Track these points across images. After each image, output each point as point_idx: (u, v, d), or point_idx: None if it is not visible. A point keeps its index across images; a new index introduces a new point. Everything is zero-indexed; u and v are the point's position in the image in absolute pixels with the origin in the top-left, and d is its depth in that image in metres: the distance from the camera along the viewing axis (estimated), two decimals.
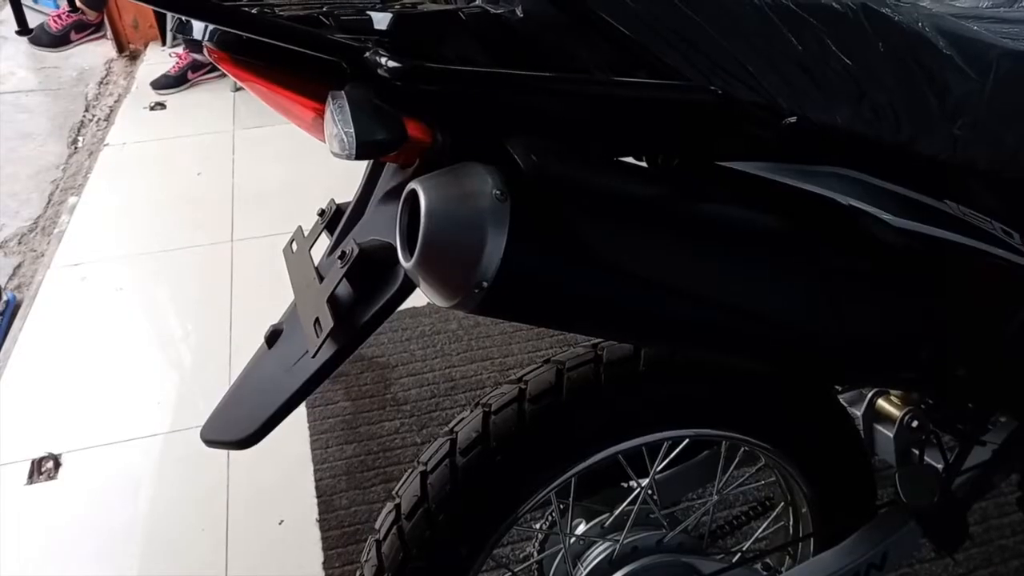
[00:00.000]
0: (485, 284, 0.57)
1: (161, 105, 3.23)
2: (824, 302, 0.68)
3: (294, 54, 0.58)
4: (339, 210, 0.80)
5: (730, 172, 0.67)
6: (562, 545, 0.99)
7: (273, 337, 0.76)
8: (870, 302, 0.72)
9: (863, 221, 0.69)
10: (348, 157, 0.52)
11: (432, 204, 0.57)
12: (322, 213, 0.81)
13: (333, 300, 0.68)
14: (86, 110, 3.41)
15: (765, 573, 1.00)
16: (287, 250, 0.84)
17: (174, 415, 1.83)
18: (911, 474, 0.85)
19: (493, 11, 0.63)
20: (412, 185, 0.59)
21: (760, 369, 0.85)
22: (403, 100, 0.61)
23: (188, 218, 2.53)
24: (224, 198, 2.62)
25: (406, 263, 0.58)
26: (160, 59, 3.55)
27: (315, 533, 1.57)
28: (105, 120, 3.26)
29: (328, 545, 1.55)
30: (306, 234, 0.83)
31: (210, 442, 0.76)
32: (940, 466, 0.97)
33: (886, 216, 0.69)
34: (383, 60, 0.54)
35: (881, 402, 1.12)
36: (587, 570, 0.99)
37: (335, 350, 0.67)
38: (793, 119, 0.66)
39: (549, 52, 0.64)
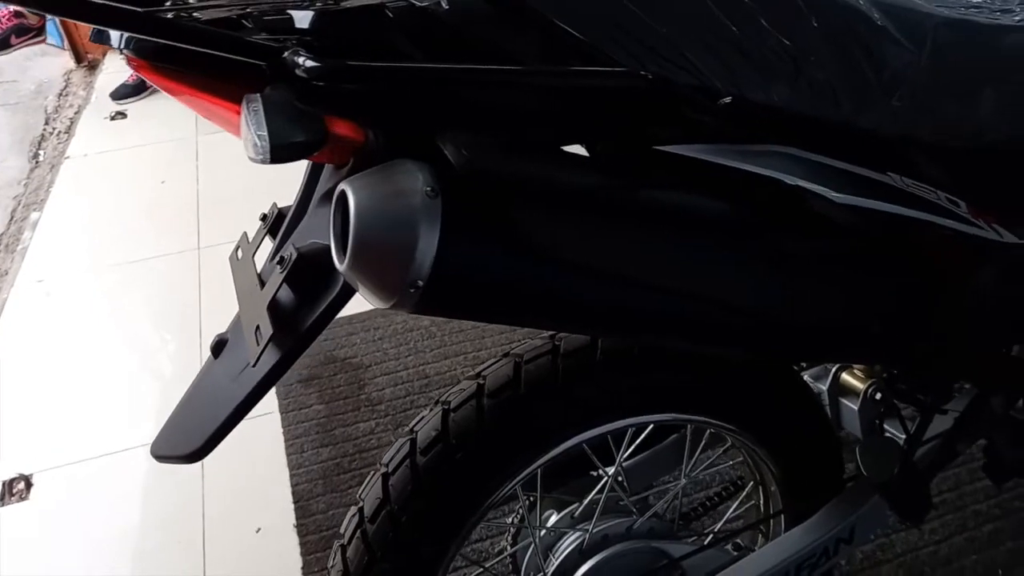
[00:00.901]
0: (420, 283, 0.56)
1: (122, 115, 3.19)
2: (770, 283, 0.67)
3: (217, 58, 0.57)
4: (281, 214, 0.79)
5: (669, 156, 0.66)
6: (533, 538, 0.99)
7: (219, 347, 0.75)
8: (817, 281, 0.71)
9: (806, 199, 0.69)
10: (263, 161, 0.51)
11: (361, 204, 0.56)
12: (264, 218, 0.80)
13: (273, 306, 0.67)
14: (46, 123, 3.36)
15: (736, 553, 1.00)
16: (232, 257, 0.82)
17: (145, 428, 1.81)
18: (871, 448, 0.85)
19: (419, 4, 0.62)
20: (341, 186, 0.58)
21: (713, 354, 0.84)
22: (330, 100, 0.60)
23: (153, 228, 2.50)
24: (189, 205, 2.59)
25: (340, 266, 0.57)
26: (119, 68, 3.49)
27: (293, 539, 1.56)
28: (66, 132, 3.21)
29: (307, 550, 1.54)
30: (250, 239, 0.82)
31: (160, 457, 0.75)
32: (903, 437, 0.98)
33: (828, 192, 0.68)
34: (301, 60, 0.53)
35: (845, 376, 1.13)
36: (558, 561, 0.99)
37: (278, 358, 0.66)
38: (728, 99, 0.65)
39: (479, 44, 0.63)
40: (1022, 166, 0.84)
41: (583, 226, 0.60)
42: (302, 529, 1.57)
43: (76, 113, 3.33)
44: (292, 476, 1.68)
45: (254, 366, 0.65)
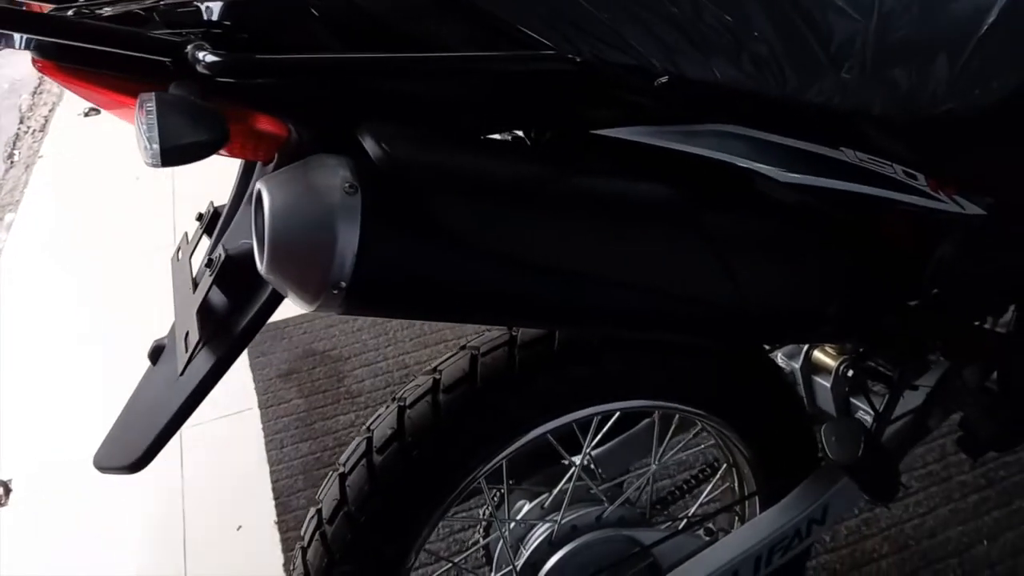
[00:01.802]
0: (343, 284, 0.54)
1: (96, 110, 3.14)
2: (716, 267, 0.65)
3: (123, 56, 0.54)
4: (217, 212, 0.76)
5: (606, 141, 0.64)
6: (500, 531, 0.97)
7: (156, 353, 0.72)
8: (768, 263, 0.69)
9: (753, 180, 0.66)
10: (154, 165, 0.49)
11: (275, 204, 0.53)
12: (200, 217, 0.77)
13: (203, 311, 0.65)
14: (20, 122, 3.32)
15: (707, 538, 0.99)
16: (174, 259, 0.80)
17: None
18: (835, 429, 0.83)
19: None
20: (258, 185, 0.55)
21: (666, 340, 0.82)
22: (247, 94, 0.57)
23: (128, 225, 2.47)
24: (164, 200, 2.56)
25: (260, 268, 0.55)
26: None
27: (275, 535, 1.55)
28: (40, 131, 3.18)
29: (289, 547, 1.52)
30: (189, 239, 0.79)
31: (102, 468, 0.73)
32: (871, 416, 0.96)
33: (775, 172, 0.66)
34: (202, 55, 0.50)
35: (817, 354, 1.11)
36: (528, 553, 0.98)
37: (210, 366, 0.64)
38: (665, 79, 0.63)
39: (403, 30, 0.60)
40: (981, 134, 0.81)
41: (512, 216, 0.57)
42: (283, 525, 1.56)
43: (50, 111, 3.29)
44: (272, 472, 1.67)
45: (181, 375, 0.63)
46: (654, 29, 0.63)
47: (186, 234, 0.82)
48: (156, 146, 0.46)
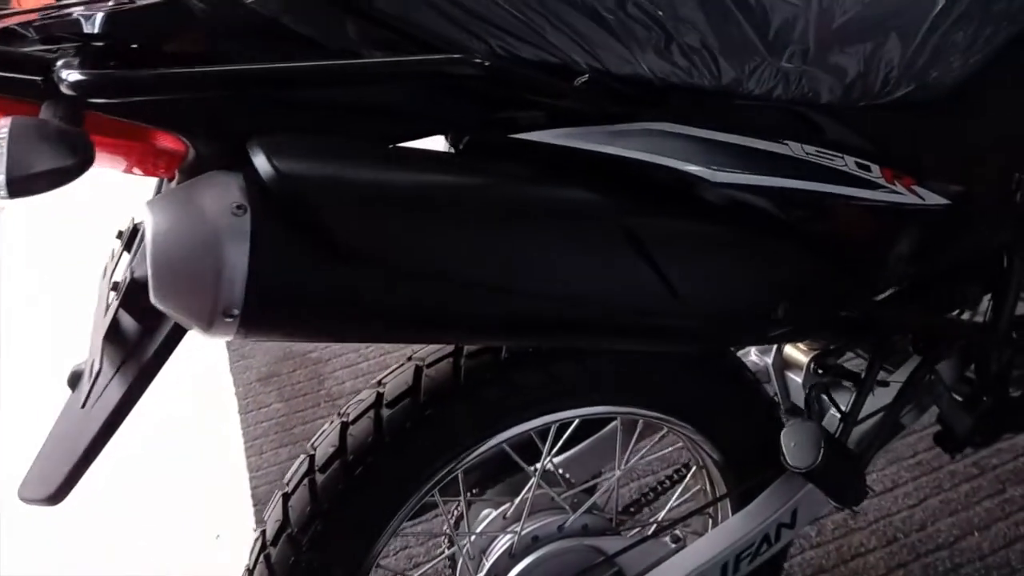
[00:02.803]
0: (235, 311, 0.51)
1: None
2: (650, 275, 0.61)
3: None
4: (136, 229, 0.73)
5: (527, 145, 0.60)
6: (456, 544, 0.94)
7: (75, 380, 0.69)
8: (705, 268, 0.65)
9: (685, 180, 0.62)
10: (4, 197, 0.45)
11: (158, 229, 0.50)
12: (120, 235, 0.74)
13: (111, 337, 0.62)
14: None
15: (674, 545, 0.96)
16: (101, 275, 0.77)
17: None
18: (793, 433, 0.79)
19: None
20: (144, 207, 0.52)
21: (604, 350, 0.79)
22: (134, 111, 0.54)
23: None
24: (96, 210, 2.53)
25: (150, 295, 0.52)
26: None
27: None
28: None
29: None
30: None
31: (24, 499, 0.70)
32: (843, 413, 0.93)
33: (705, 172, 0.62)
34: (65, 74, 0.47)
35: (788, 350, 1.07)
36: (489, 564, 0.95)
37: (120, 395, 0.60)
38: (586, 77, 0.59)
39: (300, 35, 0.56)
40: (937, 119, 0.77)
41: (414, 230, 0.54)
42: None
43: None
44: (252, 478, 1.64)
45: (82, 407, 0.59)
46: (572, 23, 0.59)
47: (113, 250, 0.79)
48: (2, 177, 0.43)
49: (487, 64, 0.54)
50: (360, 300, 0.54)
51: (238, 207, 0.50)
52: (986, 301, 0.97)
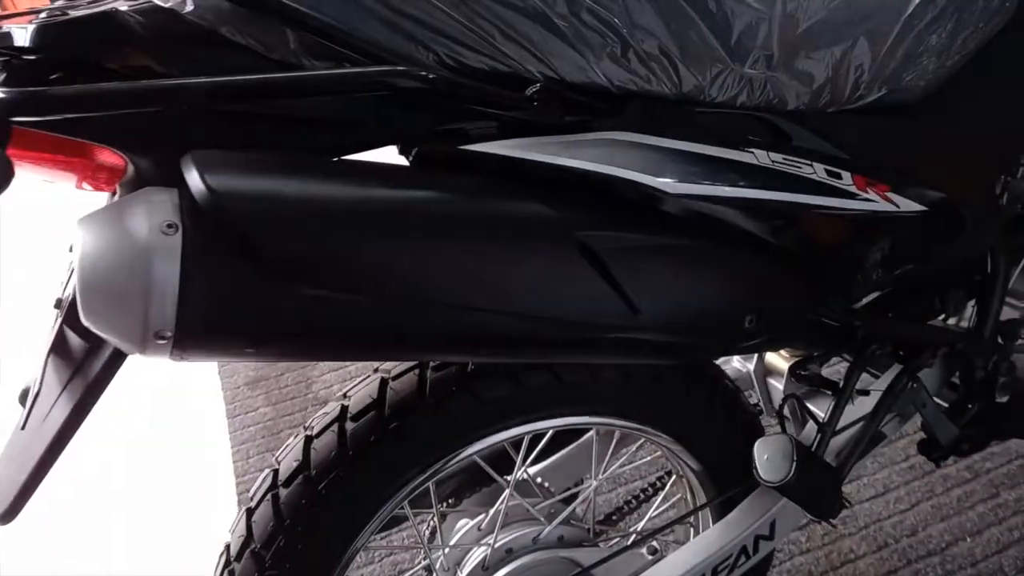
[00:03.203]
0: (168, 333, 0.49)
1: None
2: (606, 290, 0.59)
3: None
4: None
5: (479, 157, 0.58)
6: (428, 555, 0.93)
7: (25, 397, 0.68)
8: (665, 282, 0.63)
9: (643, 192, 0.60)
10: None
11: (86, 248, 0.49)
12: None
13: (57, 352, 0.60)
14: None
15: (651, 556, 0.94)
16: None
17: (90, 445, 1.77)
18: (765, 447, 0.77)
19: (163, 4, 0.54)
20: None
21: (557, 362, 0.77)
22: (69, 127, 0.52)
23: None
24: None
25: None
26: None
27: None
28: None
29: None
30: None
31: None
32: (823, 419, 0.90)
33: (663, 183, 0.60)
34: None
35: (770, 356, 1.06)
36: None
37: (65, 416, 0.59)
38: (536, 87, 0.57)
39: (237, 46, 0.55)
40: (912, 123, 0.75)
41: (352, 247, 0.52)
42: None
43: None
44: (238, 484, 1.64)
45: (22, 428, 0.58)
46: (523, 31, 0.57)
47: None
48: None
49: (431, 76, 0.52)
50: (300, 321, 0.53)
51: (169, 225, 0.49)
52: (969, 307, 0.95)
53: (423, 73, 0.52)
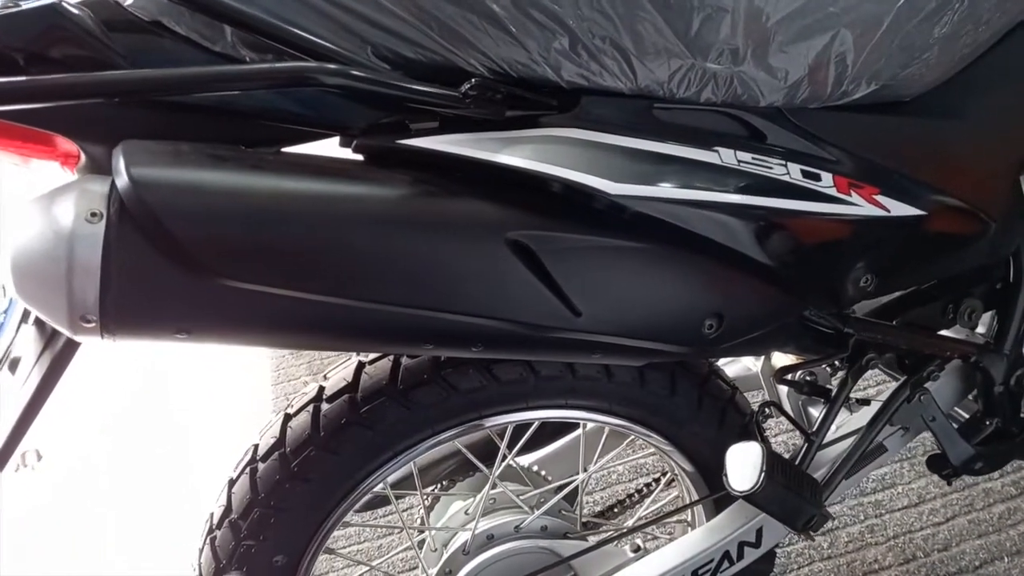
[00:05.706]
0: (93, 318, 0.51)
1: None
2: (544, 292, 0.58)
3: None
4: None
5: (415, 152, 0.58)
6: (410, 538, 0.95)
7: (14, 365, 0.72)
8: (610, 285, 0.61)
9: (580, 192, 0.58)
10: None
11: (18, 232, 0.51)
12: None
13: (35, 323, 0.64)
14: None
15: (633, 554, 0.93)
16: None
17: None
18: (736, 455, 0.74)
19: None
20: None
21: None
22: (25, 115, 0.55)
23: None
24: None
25: None
26: None
27: None
28: None
29: None
30: None
31: None
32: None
33: (604, 184, 0.58)
34: None
35: (776, 358, 1.02)
36: (445, 558, 0.95)
37: (39, 380, 0.63)
38: (471, 83, 0.56)
39: (182, 37, 0.56)
40: (912, 120, 0.70)
41: (271, 240, 0.52)
42: None
43: None
44: None
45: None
46: (461, 23, 0.56)
47: None
48: None
49: (357, 74, 0.52)
50: (221, 313, 0.54)
51: (93, 214, 0.51)
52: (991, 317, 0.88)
53: (352, 71, 0.52)
